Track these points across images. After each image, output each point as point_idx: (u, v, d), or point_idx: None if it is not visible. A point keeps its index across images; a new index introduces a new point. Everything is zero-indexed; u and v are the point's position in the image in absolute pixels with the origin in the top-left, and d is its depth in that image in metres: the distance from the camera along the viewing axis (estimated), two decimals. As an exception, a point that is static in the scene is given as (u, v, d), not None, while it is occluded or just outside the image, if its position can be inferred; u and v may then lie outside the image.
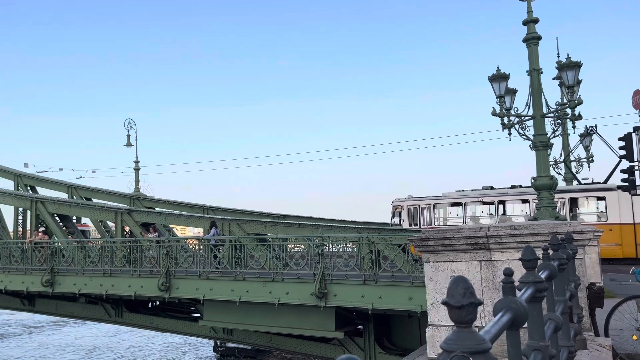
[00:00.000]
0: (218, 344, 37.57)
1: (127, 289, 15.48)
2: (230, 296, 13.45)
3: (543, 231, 4.94)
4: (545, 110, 12.23)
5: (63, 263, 17.02)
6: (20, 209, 27.61)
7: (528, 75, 12.26)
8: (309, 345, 14.96)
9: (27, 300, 20.40)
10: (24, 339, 52.48)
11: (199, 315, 17.57)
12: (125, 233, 19.73)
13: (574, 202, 20.13)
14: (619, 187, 18.08)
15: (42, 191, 31.73)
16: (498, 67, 12.85)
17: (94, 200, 29.74)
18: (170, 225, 23.91)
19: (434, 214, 23.58)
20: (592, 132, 22.03)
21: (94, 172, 34.15)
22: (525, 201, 21.21)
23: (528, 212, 20.73)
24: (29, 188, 31.92)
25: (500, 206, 22.39)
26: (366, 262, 11.92)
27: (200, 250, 15.51)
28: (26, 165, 33.88)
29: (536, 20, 11.90)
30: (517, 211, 22.43)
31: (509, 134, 12.68)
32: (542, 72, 12.31)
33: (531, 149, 12.12)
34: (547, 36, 12.34)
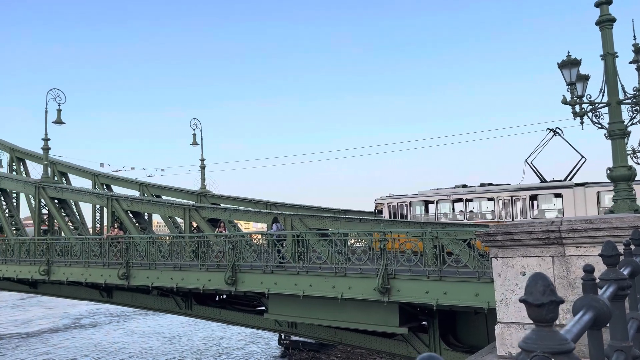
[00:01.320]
0: (282, 336, 38.34)
1: (195, 283, 16.08)
2: (294, 290, 13.66)
3: (623, 225, 4.65)
4: (621, 96, 11.49)
5: (137, 257, 17.90)
6: (98, 206, 29.41)
7: (602, 59, 11.55)
8: (372, 340, 14.93)
9: (105, 292, 21.70)
10: (113, 327, 57.16)
11: (264, 308, 17.99)
12: (192, 229, 20.47)
13: (534, 199, 20.79)
14: (576, 185, 19.02)
15: (116, 189, 33.64)
16: (568, 53, 12.19)
17: (163, 197, 31.16)
18: (235, 221, 24.58)
19: (410, 211, 24.46)
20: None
21: (163, 170, 35.72)
22: (490, 199, 22.01)
23: (493, 209, 21.69)
24: (104, 186, 33.91)
25: (469, 203, 23.35)
26: (430, 258, 11.73)
27: (264, 245, 15.87)
28: (102, 165, 36.00)
29: (610, 1, 11.19)
30: (484, 208, 23.19)
31: (582, 122, 12.01)
32: (617, 57, 11.57)
33: (606, 137, 11.43)
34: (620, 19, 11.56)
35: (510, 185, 21.62)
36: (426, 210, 24.44)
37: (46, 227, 27.92)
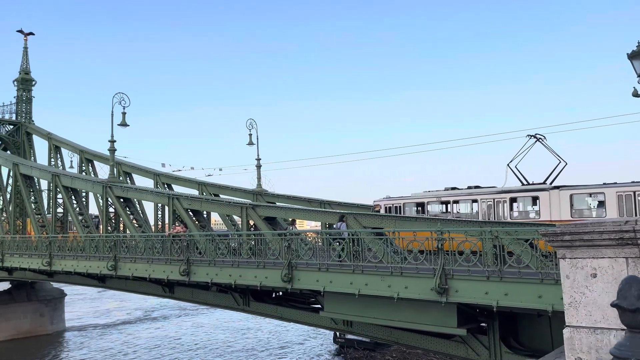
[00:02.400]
0: (338, 334, 38.50)
1: (253, 280, 16.41)
2: (350, 289, 13.66)
3: None
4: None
5: (197, 254, 18.49)
6: (160, 204, 30.63)
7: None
8: (429, 341, 14.71)
9: (167, 288, 22.56)
10: (182, 320, 60.46)
11: (319, 306, 18.11)
12: (250, 227, 20.91)
13: (514, 201, 21.62)
14: (552, 188, 19.86)
15: (177, 188, 34.94)
16: (639, 43, 11.49)
17: (221, 196, 32.02)
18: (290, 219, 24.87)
19: (403, 212, 25.17)
20: None
21: (220, 170, 36.90)
22: (474, 201, 22.77)
23: (477, 211, 22.43)
24: (165, 186, 35.29)
25: (456, 205, 24.14)
26: (489, 258, 11.40)
27: (319, 244, 15.97)
28: (163, 165, 37.44)
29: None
30: (469, 210, 23.80)
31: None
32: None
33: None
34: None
35: (493, 188, 22.46)
36: (417, 212, 25.25)
37: (113, 225, 29.39)
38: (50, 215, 39.78)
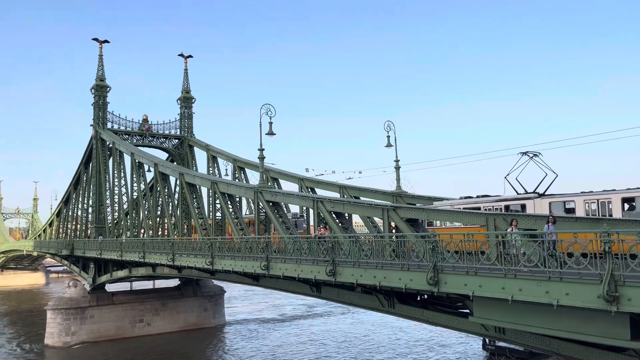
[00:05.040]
0: (487, 341, 36.73)
1: (397, 282, 16.34)
2: (501, 294, 12.93)
3: None
4: None
5: (341, 255, 18.99)
6: (304, 207, 32.13)
7: None
8: (596, 354, 13.35)
9: (314, 287, 23.55)
10: (339, 318, 64.04)
11: (467, 311, 17.44)
12: (391, 229, 20.92)
13: (507, 208, 23.24)
14: (537, 197, 22.31)
15: (319, 192, 36.35)
16: None
17: (361, 198, 32.54)
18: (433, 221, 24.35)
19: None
20: None
21: (360, 172, 37.26)
22: (477, 209, 23.82)
23: None
24: (309, 189, 36.92)
25: None
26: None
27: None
28: (307, 170, 39.22)
29: None
30: None
31: None
32: None
33: None
34: None
35: (492, 197, 24.77)
36: None
37: (264, 227, 31.57)
38: (211, 218, 44.01)
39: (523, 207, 22.99)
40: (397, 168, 31.18)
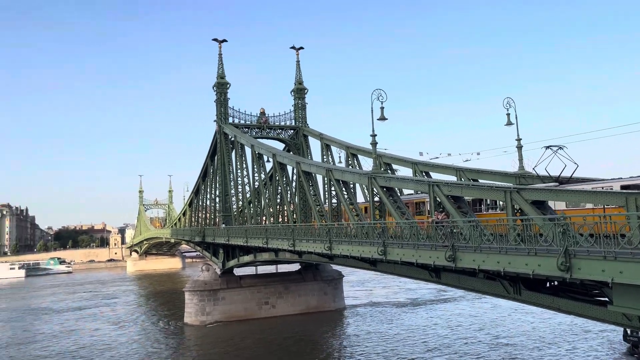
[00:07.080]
0: (629, 332, 33.43)
1: (524, 267, 15.46)
2: (647, 281, 11.68)
3: None
4: None
5: (462, 240, 18.41)
6: (420, 192, 31.54)
7: None
8: None
9: (434, 273, 23.16)
10: (446, 306, 63.17)
11: (606, 299, 16.02)
12: (515, 211, 19.75)
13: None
14: (557, 184, 22.97)
15: (434, 175, 35.44)
16: None
17: (480, 180, 31.14)
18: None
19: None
20: None
21: (478, 154, 35.47)
22: None
23: None
24: (423, 174, 36.18)
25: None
26: None
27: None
28: (421, 153, 38.37)
29: None
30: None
31: None
32: None
33: None
34: None
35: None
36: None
37: (379, 213, 31.64)
38: (327, 205, 45.12)
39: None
40: (519, 147, 29.31)
